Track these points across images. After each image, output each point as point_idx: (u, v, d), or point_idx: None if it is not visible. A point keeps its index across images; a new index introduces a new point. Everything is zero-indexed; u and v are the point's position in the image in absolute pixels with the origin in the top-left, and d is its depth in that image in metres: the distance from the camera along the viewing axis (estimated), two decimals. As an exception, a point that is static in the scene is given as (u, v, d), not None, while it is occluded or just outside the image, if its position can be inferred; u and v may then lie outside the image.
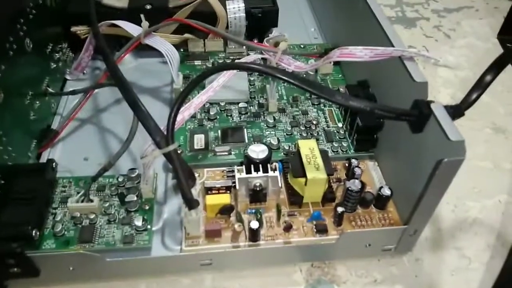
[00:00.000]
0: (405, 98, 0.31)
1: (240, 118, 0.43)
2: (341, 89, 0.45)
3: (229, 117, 0.43)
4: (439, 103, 0.29)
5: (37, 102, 0.40)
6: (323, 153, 0.35)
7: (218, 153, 0.39)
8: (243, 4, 0.46)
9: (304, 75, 0.46)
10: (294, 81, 0.30)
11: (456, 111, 0.30)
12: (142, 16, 0.42)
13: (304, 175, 0.33)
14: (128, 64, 0.50)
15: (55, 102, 0.44)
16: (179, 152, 0.35)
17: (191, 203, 0.31)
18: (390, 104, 0.35)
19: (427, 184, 0.28)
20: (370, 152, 0.39)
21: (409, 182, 0.32)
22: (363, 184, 0.34)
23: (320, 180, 0.33)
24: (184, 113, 0.33)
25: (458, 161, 0.27)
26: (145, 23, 0.42)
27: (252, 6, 0.49)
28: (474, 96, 0.32)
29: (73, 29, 0.47)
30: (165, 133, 0.31)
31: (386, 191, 0.34)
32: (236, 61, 0.43)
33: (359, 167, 0.36)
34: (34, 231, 0.31)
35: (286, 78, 0.30)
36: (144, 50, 0.46)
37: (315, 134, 0.41)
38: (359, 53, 0.32)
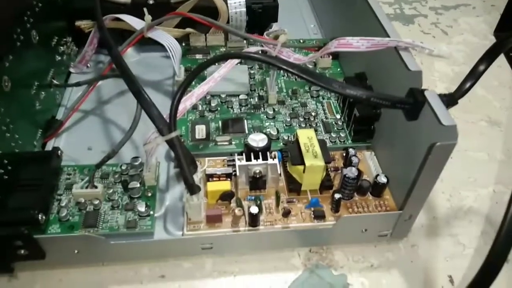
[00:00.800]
0: (400, 88, 0.32)
1: (241, 110, 0.44)
2: (331, 77, 0.45)
3: (230, 108, 0.44)
4: (433, 91, 0.30)
5: (43, 93, 0.41)
6: (321, 142, 0.36)
7: (219, 143, 0.40)
8: (244, -1, 0.47)
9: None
10: (292, 69, 0.31)
11: (450, 99, 0.31)
12: (145, 9, 0.43)
13: (303, 163, 0.34)
14: (130, 57, 0.51)
15: (60, 93, 0.45)
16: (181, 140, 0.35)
17: (192, 188, 0.32)
18: (387, 93, 0.36)
19: (420, 169, 0.29)
20: (367, 142, 0.40)
21: (404, 168, 0.33)
22: (359, 172, 0.35)
23: (318, 167, 0.34)
24: (186, 102, 0.34)
25: (450, 145, 0.28)
26: (148, 17, 0.43)
27: (253, 1, 0.50)
28: (467, 85, 0.33)
29: (78, 23, 0.48)
30: (168, 120, 0.32)
31: (382, 179, 0.35)
32: (240, 51, 0.44)
33: (356, 156, 0.37)
34: (40, 215, 0.32)
35: (285, 67, 0.31)
36: (146, 44, 0.48)
37: (314, 125, 0.42)
38: (356, 43, 0.33)
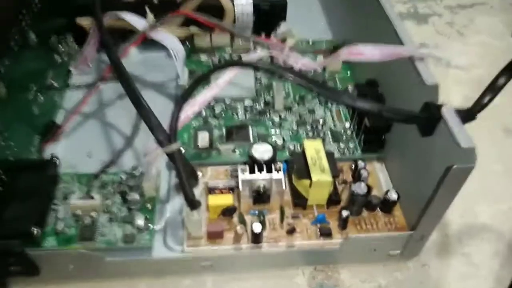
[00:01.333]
0: (414, 100, 0.30)
1: (246, 116, 0.42)
2: (349, 87, 0.44)
3: (234, 114, 0.42)
4: (450, 107, 0.28)
5: (41, 97, 0.39)
6: (329, 154, 0.34)
7: (222, 151, 0.38)
8: (251, -2, 0.45)
9: (312, 73, 0.45)
10: (301, 81, 0.29)
11: (467, 115, 0.29)
12: (147, 8, 0.41)
13: (309, 177, 0.33)
14: (133, 57, 0.49)
15: (59, 95, 0.44)
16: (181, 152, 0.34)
17: (193, 204, 0.30)
18: (399, 105, 0.34)
19: (436, 190, 0.28)
20: (378, 153, 0.38)
21: (417, 187, 0.31)
22: (369, 188, 0.33)
23: (326, 182, 0.33)
24: (188, 111, 0.33)
25: (468, 168, 0.26)
26: (150, 16, 0.41)
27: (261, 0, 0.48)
28: (486, 99, 0.31)
29: (78, 20, 0.46)
30: (168, 131, 0.31)
31: (393, 195, 0.33)
32: (243, 57, 0.42)
33: (366, 169, 0.35)
34: (35, 229, 0.31)
35: (293, 78, 0.29)
36: (150, 43, 0.46)
37: (322, 134, 0.40)
38: (368, 52, 0.31)
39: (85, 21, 0.46)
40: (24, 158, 0.36)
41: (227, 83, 0.35)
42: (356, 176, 0.35)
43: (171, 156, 0.30)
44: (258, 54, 0.38)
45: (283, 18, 0.50)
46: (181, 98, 0.31)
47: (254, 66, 0.31)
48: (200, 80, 0.31)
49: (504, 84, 0.31)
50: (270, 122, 0.41)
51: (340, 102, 0.29)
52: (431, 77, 0.30)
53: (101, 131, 0.42)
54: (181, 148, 0.31)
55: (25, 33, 0.37)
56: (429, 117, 0.29)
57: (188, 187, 0.30)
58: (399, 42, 0.34)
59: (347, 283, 0.33)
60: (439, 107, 0.29)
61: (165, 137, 0.30)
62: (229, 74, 0.35)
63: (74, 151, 0.40)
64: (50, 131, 0.40)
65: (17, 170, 0.34)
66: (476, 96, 0.30)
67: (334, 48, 0.48)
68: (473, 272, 0.34)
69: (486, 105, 0.31)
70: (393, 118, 0.29)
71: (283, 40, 0.41)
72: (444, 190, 0.28)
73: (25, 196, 0.33)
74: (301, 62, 0.40)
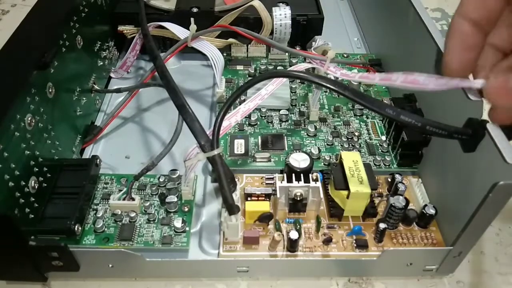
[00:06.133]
0: (455, 115, 0.30)
1: (281, 125, 0.42)
2: (384, 101, 0.44)
3: (270, 123, 0.43)
4: (495, 124, 0.28)
5: (84, 99, 0.41)
6: (367, 166, 0.34)
7: (257, 159, 0.39)
8: (290, 11, 0.46)
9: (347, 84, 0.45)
10: (344, 92, 0.29)
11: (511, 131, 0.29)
12: (192, 19, 0.42)
13: (347, 188, 0.33)
14: (171, 65, 0.50)
15: (99, 99, 0.45)
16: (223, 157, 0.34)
17: (232, 209, 0.31)
18: (438, 120, 0.34)
19: (478, 207, 0.27)
20: (414, 168, 0.38)
21: (457, 202, 0.31)
22: (407, 201, 0.33)
23: (364, 194, 0.33)
24: (231, 119, 0.33)
25: (514, 185, 0.26)
26: (193, 26, 0.42)
27: (298, 13, 0.49)
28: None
29: (120, 28, 0.48)
30: (211, 137, 0.31)
31: (431, 210, 0.33)
32: (288, 69, 0.43)
33: (403, 183, 0.35)
34: (76, 226, 0.32)
35: (337, 89, 0.29)
36: (186, 52, 0.47)
37: (357, 146, 0.40)
38: (423, 80, 0.30)
39: (126, 29, 0.48)
40: (67, 157, 0.37)
41: (269, 94, 0.36)
42: (393, 189, 0.35)
43: (213, 160, 0.31)
44: (302, 66, 0.38)
45: (319, 32, 0.50)
46: (224, 105, 0.32)
47: (299, 77, 0.32)
48: (244, 88, 0.32)
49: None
50: (305, 133, 0.42)
51: (383, 115, 0.29)
52: (475, 93, 0.30)
53: (139, 135, 0.43)
54: (222, 154, 0.32)
55: (73, 37, 0.39)
56: (473, 133, 0.29)
57: (228, 192, 0.30)
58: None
59: (381, 296, 0.33)
60: (483, 123, 0.29)
61: (207, 141, 0.31)
62: (272, 85, 0.36)
63: (113, 152, 0.41)
64: (91, 132, 0.41)
65: (60, 169, 0.35)
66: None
67: (369, 61, 0.49)
68: (510, 292, 0.34)
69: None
70: (437, 133, 0.28)
71: (323, 53, 0.41)
72: (487, 207, 0.27)
73: (67, 194, 0.34)
74: (340, 72, 0.40)
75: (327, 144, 0.41)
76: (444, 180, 0.34)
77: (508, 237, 0.37)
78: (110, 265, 0.31)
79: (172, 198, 0.35)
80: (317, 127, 0.42)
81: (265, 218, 0.34)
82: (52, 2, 0.38)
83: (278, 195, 0.34)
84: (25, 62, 0.32)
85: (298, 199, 0.34)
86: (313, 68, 0.39)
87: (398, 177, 0.35)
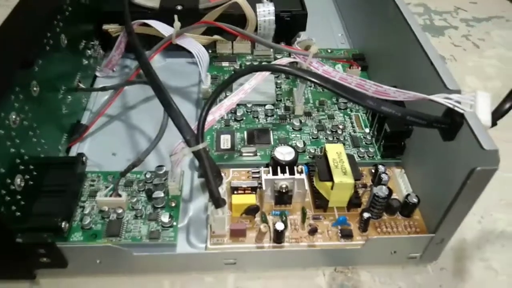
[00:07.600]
0: (436, 106, 0.31)
1: (266, 120, 0.43)
2: (366, 93, 0.44)
3: (255, 118, 0.43)
4: (472, 112, 0.29)
5: (69, 97, 0.41)
6: (350, 157, 0.35)
7: (244, 154, 0.39)
8: (273, 8, 0.47)
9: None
10: (326, 85, 0.30)
11: (488, 121, 0.30)
12: (175, 16, 0.42)
13: (331, 179, 0.33)
14: (156, 63, 0.50)
15: (85, 97, 0.45)
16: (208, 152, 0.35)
17: (218, 202, 0.31)
18: (421, 111, 0.34)
19: (458, 193, 0.28)
20: (397, 159, 0.39)
21: (438, 190, 0.32)
22: (390, 191, 0.34)
23: (347, 184, 0.33)
24: (215, 113, 0.34)
25: (491, 170, 0.26)
26: (177, 24, 0.43)
27: (281, 10, 0.49)
28: (506, 106, 0.32)
29: (105, 27, 0.48)
30: (195, 132, 0.32)
31: (413, 199, 0.34)
32: (272, 63, 0.43)
33: (386, 174, 0.36)
34: (63, 223, 0.32)
35: (318, 82, 0.30)
36: (171, 50, 0.47)
37: (341, 139, 0.41)
38: (393, 94, 0.32)
39: (111, 28, 0.48)
40: (53, 155, 0.37)
41: (252, 88, 0.36)
42: (377, 180, 0.36)
43: (198, 155, 0.31)
44: (284, 61, 0.39)
45: (303, 27, 0.51)
46: (209, 100, 0.32)
47: (282, 70, 0.32)
48: (227, 82, 0.32)
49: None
50: (291, 127, 0.42)
51: (364, 106, 0.29)
52: (453, 82, 0.31)
53: (125, 132, 0.43)
54: (207, 148, 0.32)
55: (58, 36, 0.39)
56: (452, 122, 0.29)
57: (214, 186, 0.31)
58: (422, 50, 0.35)
59: (367, 284, 0.33)
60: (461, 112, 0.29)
61: (192, 136, 0.31)
62: (255, 80, 0.36)
63: (99, 150, 0.41)
64: (77, 130, 0.41)
65: (46, 167, 0.35)
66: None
67: (352, 56, 0.50)
68: (492, 277, 0.34)
69: (506, 112, 0.32)
70: (417, 122, 0.29)
71: (306, 48, 0.42)
72: (466, 193, 0.28)
73: (54, 192, 0.34)
74: (322, 69, 0.41)
75: (312, 138, 0.41)
76: (426, 169, 0.35)
77: (489, 225, 0.38)
78: (98, 261, 0.32)
79: (158, 194, 0.35)
80: (302, 121, 0.42)
81: (251, 211, 0.34)
82: (35, 1, 0.38)
83: (264, 188, 0.34)
84: (8, 60, 0.32)
85: (284, 191, 0.34)
86: (296, 63, 0.40)
87: (381, 168, 0.36)
